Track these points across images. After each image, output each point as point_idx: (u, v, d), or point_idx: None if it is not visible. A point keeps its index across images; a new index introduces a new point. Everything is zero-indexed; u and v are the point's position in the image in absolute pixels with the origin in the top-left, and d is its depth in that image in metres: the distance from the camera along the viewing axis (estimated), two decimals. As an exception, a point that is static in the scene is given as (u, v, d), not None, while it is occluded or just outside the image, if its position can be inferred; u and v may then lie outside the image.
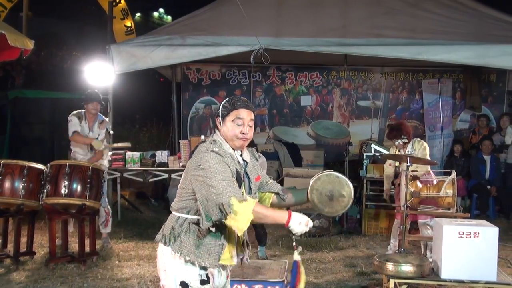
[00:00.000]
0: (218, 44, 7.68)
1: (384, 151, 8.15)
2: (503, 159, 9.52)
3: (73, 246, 6.68)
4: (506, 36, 7.41)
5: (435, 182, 6.00)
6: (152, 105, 15.81)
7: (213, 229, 2.89)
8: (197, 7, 8.74)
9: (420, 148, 6.30)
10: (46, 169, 6.12)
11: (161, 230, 3.08)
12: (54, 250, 6.10)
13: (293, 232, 2.88)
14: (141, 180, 8.75)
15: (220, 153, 2.89)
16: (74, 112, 7.04)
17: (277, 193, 3.21)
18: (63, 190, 5.95)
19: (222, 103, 3.04)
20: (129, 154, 8.58)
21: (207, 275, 2.95)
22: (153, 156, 8.78)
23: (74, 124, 6.95)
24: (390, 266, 4.42)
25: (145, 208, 9.74)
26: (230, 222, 2.78)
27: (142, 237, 7.66)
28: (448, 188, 5.82)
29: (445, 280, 4.49)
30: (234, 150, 3.00)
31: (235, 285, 4.07)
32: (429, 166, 6.21)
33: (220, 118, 3.01)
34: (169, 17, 29.79)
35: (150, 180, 8.82)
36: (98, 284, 5.60)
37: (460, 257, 4.39)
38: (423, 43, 7.49)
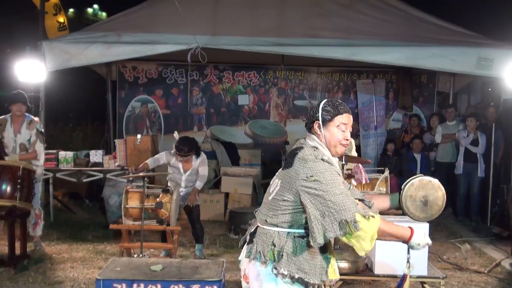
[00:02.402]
0: (154, 42, 7.58)
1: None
2: (433, 157, 9.86)
3: (3, 249, 6.44)
4: (435, 38, 7.67)
5: (363, 175, 6.13)
6: (86, 103, 15.44)
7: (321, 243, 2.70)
8: (133, 4, 8.59)
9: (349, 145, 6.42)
10: (-27, 170, 5.87)
11: (252, 246, 2.83)
12: (-18, 254, 5.86)
13: (412, 249, 2.81)
14: (75, 180, 8.54)
15: (330, 162, 2.74)
16: None
17: (361, 200, 3.01)
18: (-8, 192, 5.72)
19: (322, 106, 2.87)
20: (62, 153, 8.38)
21: None
22: (88, 155, 8.64)
23: None
24: (325, 263, 4.49)
25: (79, 209, 9.52)
26: (352, 240, 2.61)
27: (76, 238, 7.48)
28: (381, 186, 5.99)
29: (378, 276, 4.61)
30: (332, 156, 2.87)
31: (172, 286, 4.02)
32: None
33: (320, 122, 2.85)
34: (104, 14, 29.22)
35: (84, 180, 8.63)
36: (29, 288, 5.43)
37: (392, 253, 4.50)
38: (358, 44, 7.64)
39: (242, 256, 2.93)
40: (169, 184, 6.56)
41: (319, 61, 10.24)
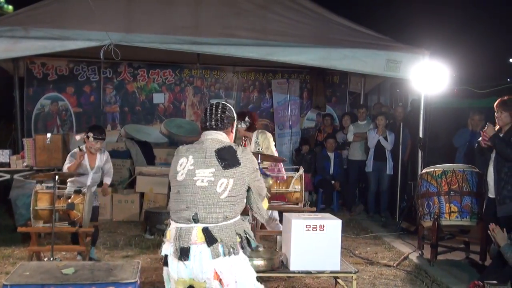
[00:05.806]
0: (65, 37, 7.31)
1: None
2: (345, 155, 10.17)
3: None
4: (347, 40, 7.89)
5: (284, 175, 6.25)
6: (-9, 101, 14.68)
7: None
8: (42, -2, 8.25)
9: (264, 139, 6.39)
10: None
11: (222, 245, 3.05)
12: None
13: None
14: (-21, 182, 8.13)
15: None
16: None
17: None
18: None
19: (229, 108, 3.42)
20: (-36, 153, 7.94)
21: None
22: (-7, 155, 8.23)
23: None
24: (242, 261, 4.51)
25: (-17, 213, 9.06)
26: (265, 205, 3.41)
27: (-20, 243, 7.11)
28: (296, 184, 6.09)
29: (294, 272, 4.69)
30: None
31: (85, 289, 3.90)
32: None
33: (236, 123, 3.47)
34: (10, 7, 27.91)
35: (-10, 181, 8.23)
36: None
37: (307, 249, 4.61)
38: (273, 44, 7.73)
39: (207, 258, 3.02)
40: (68, 185, 6.30)
41: (235, 60, 10.28)
